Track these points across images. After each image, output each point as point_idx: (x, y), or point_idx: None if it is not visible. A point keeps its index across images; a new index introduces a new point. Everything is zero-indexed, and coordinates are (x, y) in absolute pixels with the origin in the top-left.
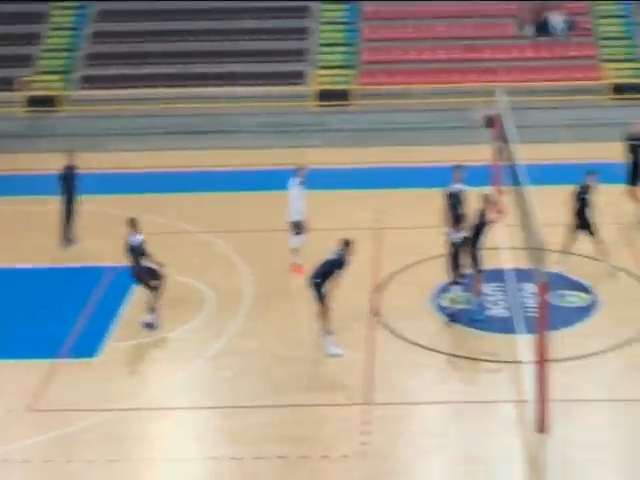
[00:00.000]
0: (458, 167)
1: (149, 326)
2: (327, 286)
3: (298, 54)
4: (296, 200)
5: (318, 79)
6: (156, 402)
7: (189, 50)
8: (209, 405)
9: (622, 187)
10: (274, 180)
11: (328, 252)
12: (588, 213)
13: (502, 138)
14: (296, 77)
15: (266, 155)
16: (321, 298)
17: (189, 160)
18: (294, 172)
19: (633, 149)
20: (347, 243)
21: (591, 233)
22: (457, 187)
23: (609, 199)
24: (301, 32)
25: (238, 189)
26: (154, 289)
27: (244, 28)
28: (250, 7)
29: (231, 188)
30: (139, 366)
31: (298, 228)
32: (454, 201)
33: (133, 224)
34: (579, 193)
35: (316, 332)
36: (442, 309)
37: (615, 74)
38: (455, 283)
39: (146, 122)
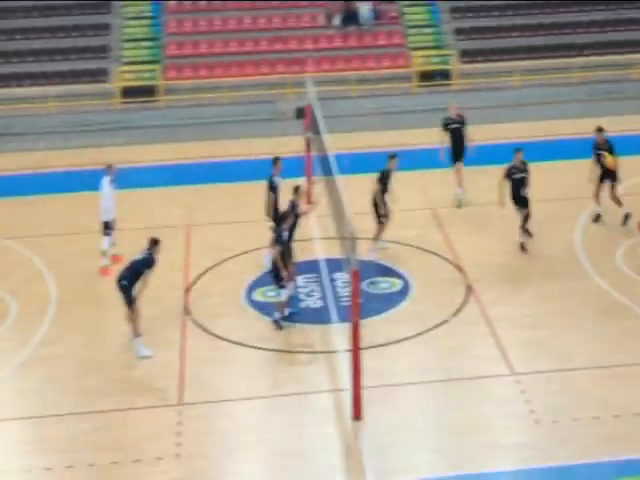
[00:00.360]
0: (276, 159)
1: None
2: (136, 287)
3: (100, 51)
4: (107, 200)
5: (122, 75)
6: None
7: None
8: (17, 416)
9: (440, 171)
10: (77, 181)
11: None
12: (387, 198)
13: (313, 128)
14: (99, 74)
15: (69, 156)
16: (129, 300)
17: None
18: (105, 171)
19: (451, 131)
20: (155, 242)
21: (386, 216)
22: (277, 180)
23: (423, 184)
24: (103, 28)
25: (38, 192)
26: None
27: (44, 26)
28: (51, 5)
29: (30, 192)
30: None
31: (108, 228)
32: (275, 194)
33: None
34: (381, 178)
35: (126, 335)
36: (255, 304)
37: (422, 61)
38: (283, 286)
39: None
